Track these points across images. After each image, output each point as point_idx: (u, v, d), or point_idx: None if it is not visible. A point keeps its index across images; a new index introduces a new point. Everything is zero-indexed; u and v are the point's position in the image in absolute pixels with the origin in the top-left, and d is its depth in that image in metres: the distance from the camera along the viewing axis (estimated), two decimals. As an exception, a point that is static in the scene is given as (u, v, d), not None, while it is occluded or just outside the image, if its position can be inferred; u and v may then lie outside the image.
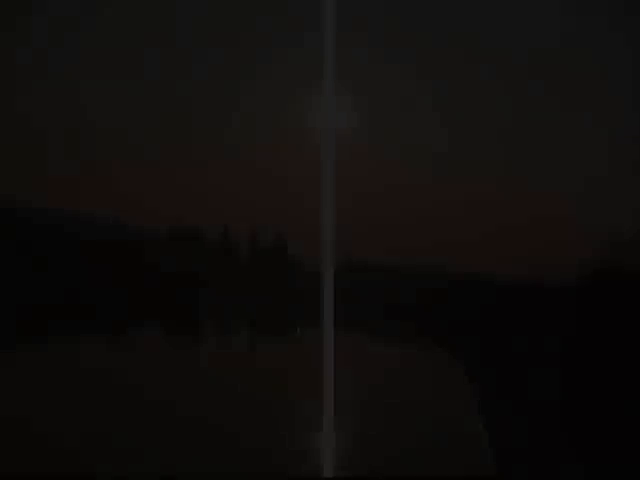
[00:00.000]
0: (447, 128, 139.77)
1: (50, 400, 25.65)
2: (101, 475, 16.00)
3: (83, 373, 33.37)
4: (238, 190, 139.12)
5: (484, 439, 19.99)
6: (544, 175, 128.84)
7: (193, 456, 18.12)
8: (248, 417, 23.52)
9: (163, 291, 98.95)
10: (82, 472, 16.26)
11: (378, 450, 19.02)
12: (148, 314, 77.76)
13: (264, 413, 24.33)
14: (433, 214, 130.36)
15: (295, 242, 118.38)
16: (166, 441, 19.82)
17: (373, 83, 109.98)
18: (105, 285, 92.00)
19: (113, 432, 20.74)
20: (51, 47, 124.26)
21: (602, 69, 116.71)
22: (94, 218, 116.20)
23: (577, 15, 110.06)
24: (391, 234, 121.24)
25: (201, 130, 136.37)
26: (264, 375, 34.74)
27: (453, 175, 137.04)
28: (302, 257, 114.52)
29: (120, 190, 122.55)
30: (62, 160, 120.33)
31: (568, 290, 59.30)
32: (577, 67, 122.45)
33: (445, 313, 57.30)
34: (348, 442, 16.69)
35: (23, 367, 34.43)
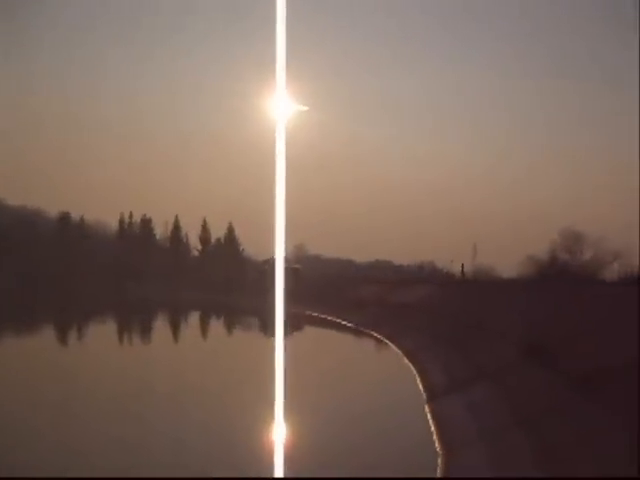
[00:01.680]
0: (396, 121, 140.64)
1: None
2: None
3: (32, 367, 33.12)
4: (188, 183, 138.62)
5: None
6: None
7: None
8: (196, 409, 23.50)
9: (109, 285, 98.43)
10: None
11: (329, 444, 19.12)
12: (94, 309, 77.16)
13: (212, 406, 24.32)
14: (381, 205, 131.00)
15: (246, 235, 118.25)
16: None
17: (325, 76, 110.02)
18: (48, 281, 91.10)
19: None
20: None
21: None
22: (40, 212, 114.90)
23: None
24: (342, 227, 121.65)
25: (151, 124, 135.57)
26: (214, 367, 34.68)
27: (403, 165, 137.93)
28: (253, 249, 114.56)
29: (68, 185, 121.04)
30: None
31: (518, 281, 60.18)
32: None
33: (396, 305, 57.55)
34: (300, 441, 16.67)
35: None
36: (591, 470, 12.77)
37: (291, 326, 53.76)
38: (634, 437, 12.78)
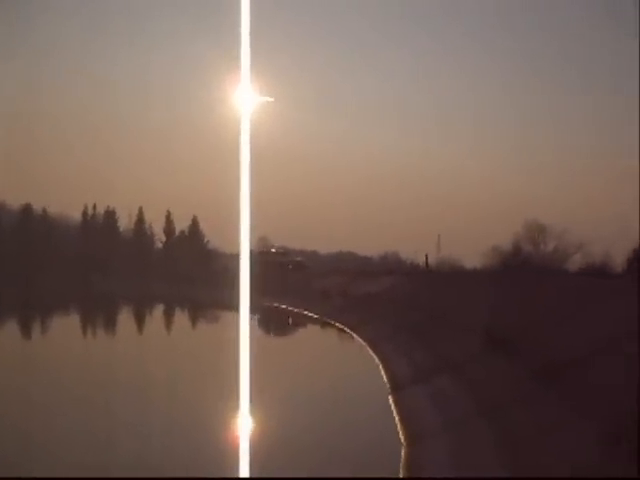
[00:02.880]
0: (360, 113, 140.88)
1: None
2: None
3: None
4: (153, 175, 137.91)
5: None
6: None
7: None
8: (160, 402, 23.42)
9: (72, 278, 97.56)
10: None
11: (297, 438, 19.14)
12: (58, 302, 76.49)
13: (176, 399, 24.24)
14: (345, 197, 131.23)
15: (210, 227, 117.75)
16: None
17: (290, 68, 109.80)
18: (11, 274, 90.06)
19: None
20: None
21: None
22: (2, 205, 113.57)
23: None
24: (306, 219, 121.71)
25: (115, 116, 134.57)
26: (179, 360, 34.56)
27: (368, 156, 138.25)
28: (217, 242, 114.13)
29: (31, 177, 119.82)
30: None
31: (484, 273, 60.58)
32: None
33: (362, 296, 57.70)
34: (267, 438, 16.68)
35: None
36: (553, 460, 12.89)
37: (257, 318, 53.74)
38: (595, 427, 12.91)
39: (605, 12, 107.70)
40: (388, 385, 26.19)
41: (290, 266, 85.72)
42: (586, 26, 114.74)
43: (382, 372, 28.95)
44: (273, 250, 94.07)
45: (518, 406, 17.28)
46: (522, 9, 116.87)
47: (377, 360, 32.00)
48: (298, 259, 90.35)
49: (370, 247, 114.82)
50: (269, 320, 58.31)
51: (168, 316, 68.78)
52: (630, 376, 14.76)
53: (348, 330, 45.99)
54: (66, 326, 54.74)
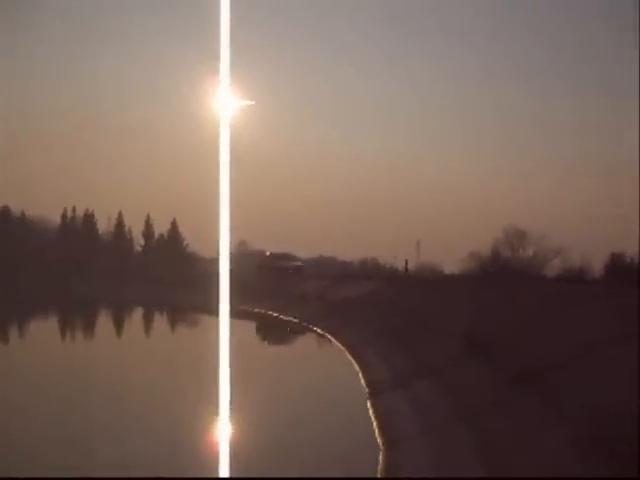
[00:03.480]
0: (342, 118, 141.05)
1: None
2: None
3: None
4: (132, 178, 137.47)
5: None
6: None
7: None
8: (139, 406, 23.38)
9: (51, 281, 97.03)
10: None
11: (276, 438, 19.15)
12: (36, 305, 76.10)
13: (155, 402, 24.21)
14: (325, 201, 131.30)
15: (190, 230, 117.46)
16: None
17: (271, 71, 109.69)
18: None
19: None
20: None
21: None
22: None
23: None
24: (286, 223, 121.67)
25: (93, 119, 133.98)
26: (158, 363, 34.49)
27: (348, 161, 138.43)
28: (197, 245, 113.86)
29: (9, 179, 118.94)
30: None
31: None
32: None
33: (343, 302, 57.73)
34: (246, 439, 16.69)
35: None
36: (531, 463, 12.97)
37: (236, 323, 53.55)
38: (574, 430, 13.01)
39: (599, 11, 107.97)
40: (367, 390, 26.22)
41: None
42: (574, 28, 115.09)
43: (361, 376, 28.97)
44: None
45: (497, 410, 17.37)
46: (508, 8, 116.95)
47: (356, 364, 32.02)
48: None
49: (350, 252, 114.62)
50: (248, 325, 58.24)
51: (147, 320, 68.60)
52: (608, 380, 14.88)
53: (327, 335, 45.98)
54: (44, 330, 54.50)
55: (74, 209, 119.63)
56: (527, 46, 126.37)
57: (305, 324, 54.36)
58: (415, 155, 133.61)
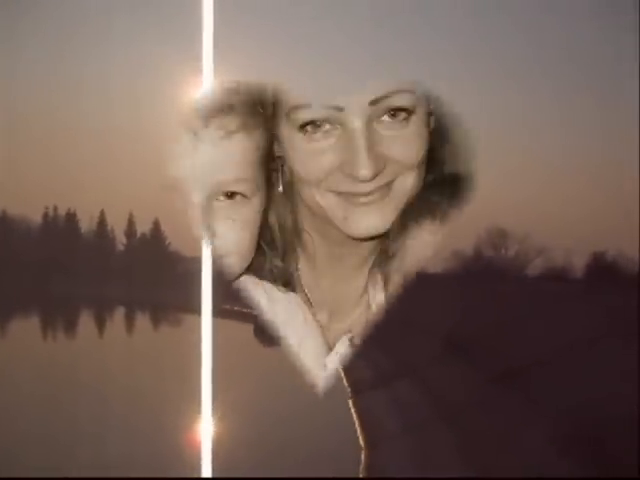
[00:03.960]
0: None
1: None
2: None
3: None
4: (114, 177, 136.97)
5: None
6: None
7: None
8: (121, 405, 23.32)
9: (32, 280, 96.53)
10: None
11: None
12: (17, 305, 75.71)
13: (139, 402, 24.17)
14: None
15: (172, 229, 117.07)
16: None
17: (254, 70, 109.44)
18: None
19: None
20: None
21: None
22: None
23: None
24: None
25: (76, 117, 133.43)
26: (140, 363, 34.40)
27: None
28: (179, 244, 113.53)
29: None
30: None
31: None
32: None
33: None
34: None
35: None
36: (513, 461, 13.03)
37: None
38: (551, 430, 13.09)
39: (599, 10, 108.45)
40: (348, 389, 26.23)
41: None
42: (567, 27, 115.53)
43: (342, 376, 28.97)
44: None
45: (478, 409, 17.43)
46: (501, 6, 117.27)
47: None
48: None
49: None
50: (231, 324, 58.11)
51: (129, 319, 68.31)
52: (589, 379, 14.97)
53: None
54: (26, 329, 54.21)
55: (55, 208, 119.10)
56: (516, 45, 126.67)
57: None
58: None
